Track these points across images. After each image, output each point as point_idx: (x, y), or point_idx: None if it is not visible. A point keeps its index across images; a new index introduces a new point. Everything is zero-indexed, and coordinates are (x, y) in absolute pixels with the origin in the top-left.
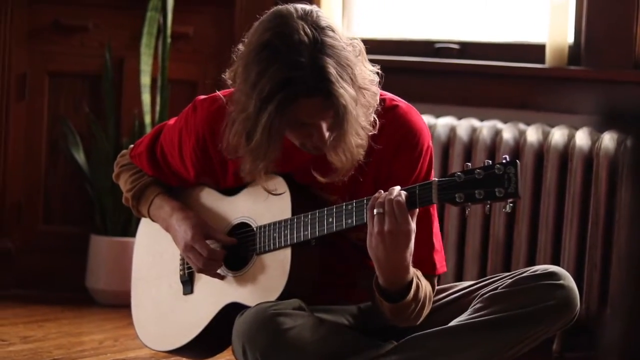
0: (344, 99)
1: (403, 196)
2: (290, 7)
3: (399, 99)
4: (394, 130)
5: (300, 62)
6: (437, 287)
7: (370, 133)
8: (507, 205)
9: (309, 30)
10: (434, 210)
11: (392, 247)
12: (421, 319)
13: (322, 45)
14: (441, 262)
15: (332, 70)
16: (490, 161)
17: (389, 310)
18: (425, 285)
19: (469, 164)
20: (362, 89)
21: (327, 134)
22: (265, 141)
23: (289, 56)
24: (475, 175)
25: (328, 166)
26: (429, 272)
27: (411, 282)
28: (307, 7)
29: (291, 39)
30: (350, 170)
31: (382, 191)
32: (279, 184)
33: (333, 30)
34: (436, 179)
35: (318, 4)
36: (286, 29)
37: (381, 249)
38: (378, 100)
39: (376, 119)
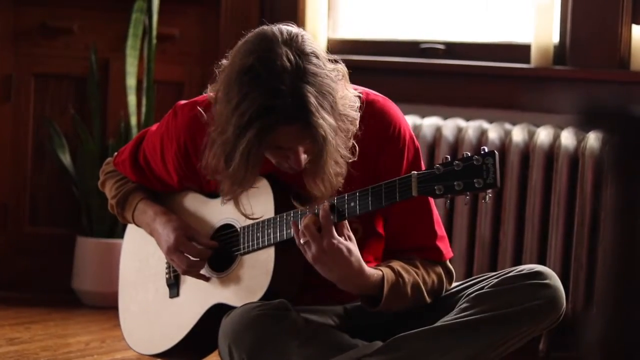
0: (323, 129)
1: (326, 217)
2: (276, 29)
3: (373, 92)
4: (374, 126)
5: (281, 89)
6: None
7: (349, 160)
8: (487, 196)
9: (292, 56)
10: (432, 199)
11: (331, 266)
12: (423, 303)
13: (305, 72)
14: (446, 248)
15: (312, 99)
16: (469, 153)
17: (378, 311)
18: (414, 279)
19: (448, 156)
20: (342, 115)
21: (303, 157)
22: (242, 167)
23: (270, 83)
24: (454, 166)
25: (307, 193)
26: (437, 260)
27: (380, 284)
28: (294, 30)
29: (274, 65)
30: (330, 197)
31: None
32: (262, 184)
33: (317, 57)
34: (415, 172)
35: (303, 6)
36: (270, 53)
37: (323, 270)
38: (357, 125)
39: (354, 143)
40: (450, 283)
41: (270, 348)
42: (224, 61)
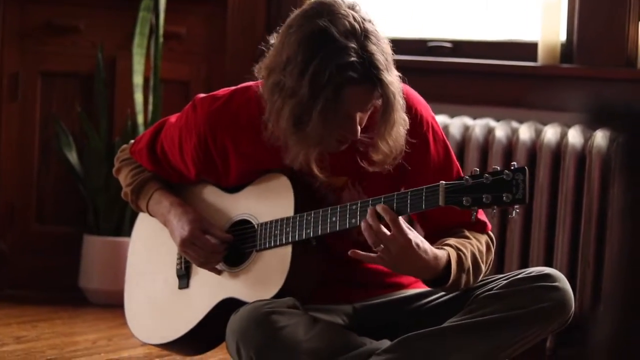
0: (393, 87)
1: (390, 215)
2: None
3: None
4: None
5: (353, 48)
6: (430, 288)
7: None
8: (514, 211)
9: (358, 18)
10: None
11: (405, 262)
12: (482, 274)
13: (369, 33)
14: (486, 219)
15: (380, 58)
16: (498, 167)
17: (444, 291)
18: (471, 250)
19: (477, 169)
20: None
21: (359, 128)
22: (320, 126)
23: (342, 42)
24: (484, 180)
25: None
26: (484, 231)
27: (448, 263)
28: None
29: (343, 26)
30: (395, 161)
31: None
32: (283, 182)
33: (372, 23)
34: (443, 182)
35: None
36: (336, 16)
37: (398, 268)
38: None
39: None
40: (493, 250)
41: (278, 346)
42: (273, 37)
